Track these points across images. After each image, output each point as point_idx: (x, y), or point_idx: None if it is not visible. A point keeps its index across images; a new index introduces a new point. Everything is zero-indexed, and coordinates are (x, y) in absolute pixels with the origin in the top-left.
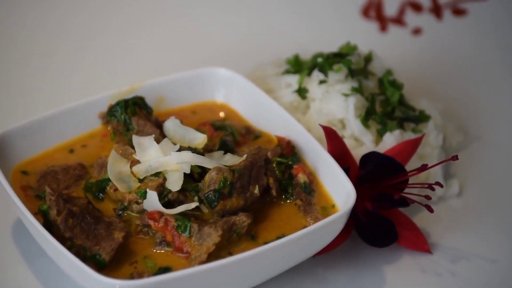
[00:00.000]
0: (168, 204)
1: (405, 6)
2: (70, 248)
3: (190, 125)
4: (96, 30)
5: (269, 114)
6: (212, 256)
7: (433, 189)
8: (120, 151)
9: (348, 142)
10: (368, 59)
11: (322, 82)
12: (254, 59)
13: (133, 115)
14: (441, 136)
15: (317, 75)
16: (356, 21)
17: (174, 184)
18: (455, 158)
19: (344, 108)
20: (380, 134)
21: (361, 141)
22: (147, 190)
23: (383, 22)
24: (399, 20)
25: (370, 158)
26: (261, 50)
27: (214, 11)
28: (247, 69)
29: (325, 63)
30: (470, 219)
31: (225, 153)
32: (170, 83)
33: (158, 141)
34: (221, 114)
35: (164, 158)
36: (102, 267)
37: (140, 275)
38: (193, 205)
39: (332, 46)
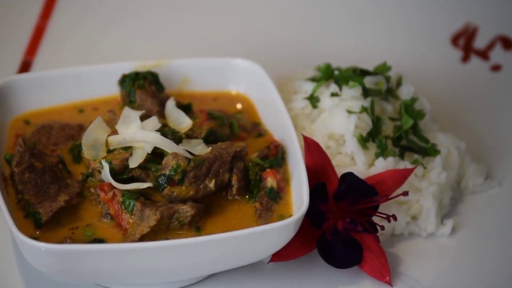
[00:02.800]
0: (131, 180)
1: (496, 40)
2: (19, 201)
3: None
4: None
5: (275, 114)
6: (147, 238)
7: (389, 221)
8: (108, 120)
9: (343, 159)
10: (398, 83)
11: (333, 95)
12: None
13: (139, 89)
14: (445, 174)
15: (334, 87)
16: (442, 47)
17: (134, 161)
18: (406, 194)
19: (345, 125)
20: (377, 158)
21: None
22: (103, 161)
23: (467, 52)
24: (484, 54)
25: (346, 177)
26: (331, 56)
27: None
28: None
29: (340, 76)
30: (447, 260)
31: (208, 143)
32: (197, 66)
33: (148, 117)
34: (238, 106)
35: (135, 134)
36: (39, 226)
37: (73, 241)
38: (145, 185)
39: (403, 66)
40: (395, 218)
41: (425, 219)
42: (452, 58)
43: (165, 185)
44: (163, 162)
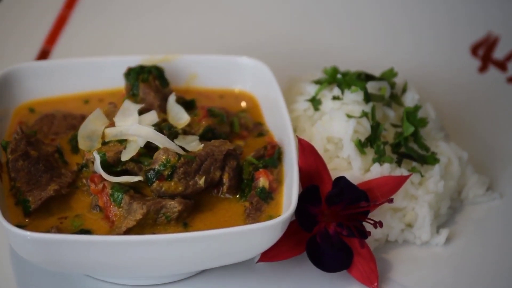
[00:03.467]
0: (124, 173)
1: None
2: (11, 188)
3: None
4: None
5: (277, 114)
6: (133, 232)
7: (375, 227)
8: (108, 112)
9: (340, 163)
10: (404, 89)
11: (335, 98)
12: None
13: (143, 82)
14: (442, 183)
15: (338, 91)
16: (461, 56)
17: (127, 154)
18: (391, 201)
19: (344, 129)
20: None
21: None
22: (94, 152)
23: (486, 62)
24: (502, 65)
25: (339, 182)
26: (347, 59)
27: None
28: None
29: (342, 80)
30: (440, 269)
31: (203, 140)
32: (204, 63)
33: (147, 111)
34: (243, 104)
35: (129, 128)
36: (27, 213)
37: (58, 231)
38: (135, 178)
39: (420, 72)
40: (381, 224)
41: (420, 227)
42: (469, 68)
43: (154, 179)
44: (154, 156)
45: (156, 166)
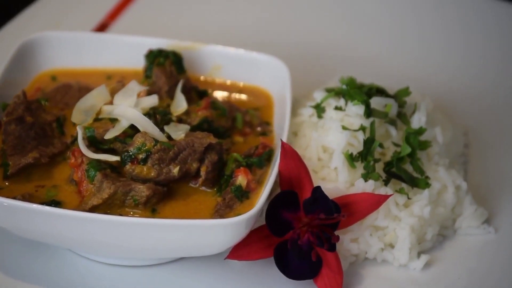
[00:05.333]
0: (111, 151)
1: None
2: (1, 149)
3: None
4: None
5: (282, 116)
6: (100, 210)
7: (333, 240)
8: (114, 89)
9: (329, 174)
10: (414, 110)
11: (337, 108)
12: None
13: (157, 66)
14: (429, 209)
15: (342, 101)
16: (507, 82)
17: (111, 133)
18: (343, 216)
19: (338, 140)
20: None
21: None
22: (78, 127)
23: None
24: None
25: (316, 191)
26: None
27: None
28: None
29: (346, 91)
30: None
31: (197, 131)
32: (229, 56)
33: (149, 94)
34: (257, 102)
35: (116, 107)
36: (6, 176)
37: (27, 199)
38: (113, 158)
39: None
40: (337, 239)
41: (400, 249)
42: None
43: (128, 161)
44: (133, 139)
45: (131, 149)
